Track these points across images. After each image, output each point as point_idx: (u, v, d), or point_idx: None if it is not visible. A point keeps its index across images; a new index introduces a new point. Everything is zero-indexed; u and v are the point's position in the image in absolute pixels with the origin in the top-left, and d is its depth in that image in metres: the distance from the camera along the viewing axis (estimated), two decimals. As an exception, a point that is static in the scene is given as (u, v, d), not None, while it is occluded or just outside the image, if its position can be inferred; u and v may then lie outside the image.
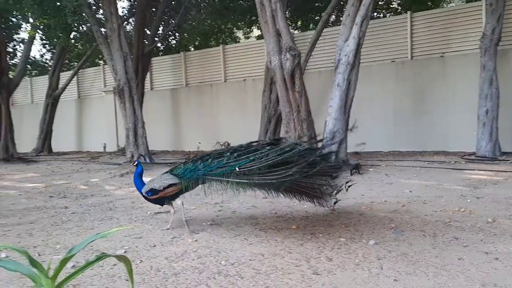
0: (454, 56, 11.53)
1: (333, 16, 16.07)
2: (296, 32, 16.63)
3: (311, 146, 4.57)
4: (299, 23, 17.98)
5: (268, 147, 4.19)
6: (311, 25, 17.19)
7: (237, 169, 4.03)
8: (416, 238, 3.92)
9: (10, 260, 2.40)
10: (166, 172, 4.77)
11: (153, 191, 4.60)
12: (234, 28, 19.74)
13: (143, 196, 4.77)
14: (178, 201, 4.76)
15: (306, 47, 12.17)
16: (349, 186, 4.94)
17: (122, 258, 2.56)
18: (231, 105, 15.25)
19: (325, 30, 12.38)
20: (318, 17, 16.01)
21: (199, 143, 15.10)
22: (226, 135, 14.86)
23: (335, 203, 4.89)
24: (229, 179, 4.09)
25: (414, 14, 12.35)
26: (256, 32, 20.29)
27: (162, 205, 4.90)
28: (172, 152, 15.68)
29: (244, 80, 14.96)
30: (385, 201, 5.72)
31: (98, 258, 2.45)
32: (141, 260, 3.59)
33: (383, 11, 17.61)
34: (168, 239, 4.26)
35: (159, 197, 4.62)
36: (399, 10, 16.91)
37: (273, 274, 3.13)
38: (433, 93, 11.74)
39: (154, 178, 4.77)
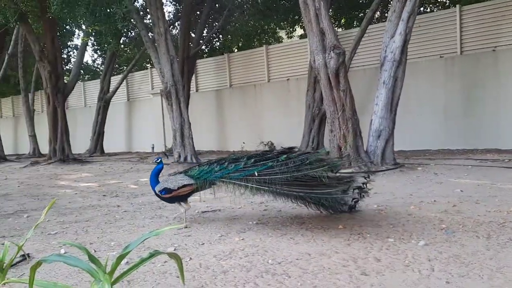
0: (507, 50, 11.02)
1: (378, 13, 15.75)
2: (339, 30, 16.44)
3: (335, 162, 4.65)
4: (342, 21, 17.77)
5: (284, 156, 4.36)
6: (355, 23, 16.94)
7: (256, 173, 4.25)
8: (468, 239, 3.80)
9: (71, 256, 2.56)
10: (181, 173, 4.96)
11: (167, 190, 4.80)
12: (277, 28, 19.79)
13: (156, 194, 4.96)
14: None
15: (350, 45, 12.03)
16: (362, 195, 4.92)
17: (173, 255, 2.66)
18: (274, 105, 15.30)
19: (369, 27, 12.19)
20: (362, 14, 15.76)
21: (243, 143, 15.28)
22: (270, 135, 14.94)
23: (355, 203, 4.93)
24: (248, 184, 4.34)
25: (463, 8, 11.91)
26: (299, 31, 20.22)
27: (173, 203, 5.10)
28: (217, 152, 15.94)
29: (288, 79, 14.96)
30: (434, 201, 5.56)
31: (151, 255, 2.56)
32: (190, 258, 3.70)
33: (430, 5, 17.07)
34: (216, 237, 4.36)
35: (172, 196, 4.82)
36: (447, 4, 16.35)
37: (321, 273, 3.14)
38: (485, 89, 11.27)
39: (169, 177, 4.94)
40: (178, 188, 4.77)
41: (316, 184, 4.22)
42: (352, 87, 8.67)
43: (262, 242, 4.05)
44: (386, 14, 13.90)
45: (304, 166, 4.22)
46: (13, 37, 19.28)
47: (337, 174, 4.60)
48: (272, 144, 14.55)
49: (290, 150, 4.60)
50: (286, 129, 14.81)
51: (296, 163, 4.24)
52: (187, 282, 3.04)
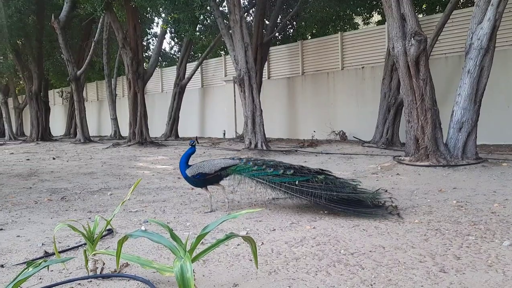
0: None
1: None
2: (420, 16, 15.62)
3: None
4: (424, 6, 16.86)
5: (322, 176, 4.88)
6: (437, 8, 16.01)
7: (297, 182, 4.77)
8: (562, 244, 3.49)
9: (155, 233, 2.70)
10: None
11: (201, 174, 5.10)
12: (353, 14, 19.22)
13: (185, 177, 5.21)
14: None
15: (431, 31, 11.40)
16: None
17: (248, 239, 2.73)
18: (347, 93, 14.96)
19: (454, 12, 11.46)
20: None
21: (314, 131, 15.14)
22: (342, 124, 14.66)
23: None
24: (281, 188, 4.86)
25: None
26: (376, 17, 19.52)
27: (200, 187, 5.35)
28: (286, 140, 15.95)
29: (363, 67, 14.54)
30: (522, 200, 5.16)
31: (228, 237, 2.65)
32: (262, 243, 3.76)
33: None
34: (287, 224, 4.38)
35: (206, 179, 5.14)
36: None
37: (395, 268, 3.05)
38: None
39: (203, 163, 5.21)
40: (215, 172, 5.10)
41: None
42: (432, 75, 8.22)
43: (334, 232, 4.01)
44: (472, -2, 12.98)
45: (338, 190, 4.72)
46: (99, 25, 20.50)
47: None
48: (343, 133, 14.27)
49: (324, 171, 5.10)
50: (359, 118, 14.45)
51: (333, 184, 4.79)
52: (259, 266, 3.09)
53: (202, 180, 5.17)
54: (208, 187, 5.27)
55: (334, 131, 14.52)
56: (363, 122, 14.17)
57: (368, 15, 18.75)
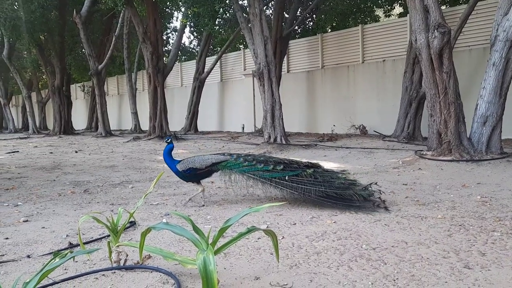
0: None
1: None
2: (444, 7, 15.30)
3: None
4: (447, -3, 16.52)
5: (312, 170, 4.98)
6: (461, -1, 15.67)
7: (287, 178, 4.88)
8: None
9: (177, 226, 2.72)
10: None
11: (192, 169, 5.18)
12: (374, 7, 18.94)
13: (175, 171, 5.29)
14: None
15: (455, 23, 11.15)
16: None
17: (269, 233, 2.73)
18: (368, 87, 14.78)
19: (478, 3, 11.19)
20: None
21: (334, 125, 15.04)
22: (362, 118, 14.52)
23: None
24: (272, 183, 4.98)
25: None
26: (397, 9, 19.21)
27: (191, 182, 5.46)
28: (305, 134, 15.88)
29: (384, 60, 14.34)
30: (550, 196, 5.03)
31: (249, 230, 2.65)
32: (283, 236, 3.76)
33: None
34: (307, 218, 4.37)
35: (197, 174, 5.23)
36: None
37: (419, 263, 3.01)
38: None
39: (194, 158, 5.30)
40: (206, 167, 5.19)
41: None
42: (456, 68, 8.06)
43: (355, 227, 3.98)
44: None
45: (328, 183, 4.82)
46: (120, 20, 20.70)
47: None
48: (364, 127, 14.13)
49: (314, 165, 5.22)
50: (380, 112, 14.28)
51: (322, 178, 4.88)
52: (280, 260, 3.09)
53: (193, 175, 5.27)
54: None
55: (354, 125, 14.39)
56: (384, 116, 14.00)
57: (389, 7, 18.47)
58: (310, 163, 5.27)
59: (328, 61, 16.34)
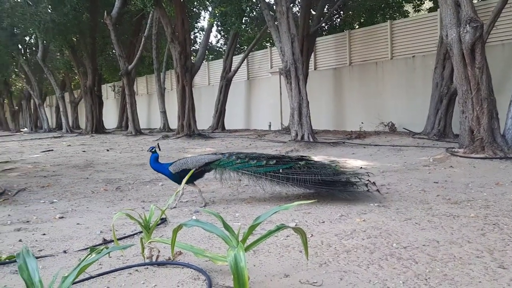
0: None
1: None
2: (475, 1, 14.87)
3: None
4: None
5: (303, 162, 5.21)
6: (494, -8, 15.18)
7: (281, 170, 5.06)
8: None
9: (208, 223, 2.77)
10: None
11: (185, 170, 5.13)
12: (403, 2, 18.61)
13: (168, 174, 5.31)
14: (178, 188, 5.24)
15: (487, 17, 10.83)
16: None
17: (298, 230, 2.74)
18: (397, 83, 14.54)
19: (513, -4, 10.84)
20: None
21: (362, 123, 14.86)
22: (391, 116, 14.30)
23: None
24: (267, 178, 5.12)
25: None
26: (427, 4, 18.80)
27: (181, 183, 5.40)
28: (333, 132, 15.76)
29: (413, 56, 14.07)
30: None
31: (278, 228, 2.67)
32: (311, 235, 3.76)
33: None
34: (336, 216, 4.35)
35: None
36: None
37: (451, 262, 2.96)
38: None
39: (186, 159, 5.36)
40: (199, 167, 5.24)
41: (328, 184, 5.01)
42: (488, 63, 7.83)
43: (385, 225, 3.94)
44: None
45: (322, 170, 5.08)
46: (149, 20, 21.03)
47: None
48: (393, 125, 13.91)
49: (305, 158, 5.45)
50: (409, 109, 14.03)
51: (315, 168, 5.11)
52: (310, 258, 3.10)
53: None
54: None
55: (382, 123, 14.19)
56: (413, 113, 13.75)
57: (419, 2, 18.10)
58: (302, 156, 5.53)
59: (355, 58, 16.16)
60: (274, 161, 5.20)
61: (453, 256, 3.08)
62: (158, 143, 6.01)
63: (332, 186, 4.96)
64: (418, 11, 18.49)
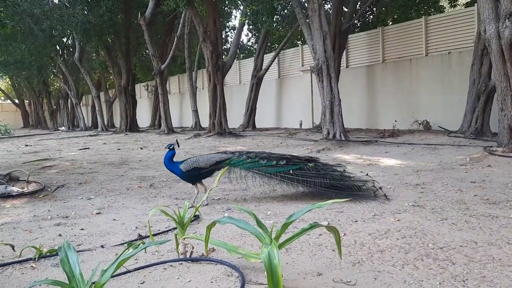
0: None
1: None
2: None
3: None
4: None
5: (312, 164, 5.25)
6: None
7: (291, 171, 5.12)
8: None
9: (242, 220, 2.80)
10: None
11: (196, 169, 5.24)
12: (438, -3, 18.15)
13: (179, 173, 5.30)
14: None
15: (529, 10, 10.41)
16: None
17: (332, 229, 2.73)
18: (432, 80, 14.19)
19: (557, -12, 10.37)
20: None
21: (395, 121, 14.59)
22: (425, 114, 13.99)
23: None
24: (277, 178, 5.18)
25: None
26: (464, -2, 18.27)
27: (192, 182, 5.43)
28: (365, 130, 15.54)
29: (449, 53, 13.70)
30: None
31: (312, 227, 2.66)
32: (344, 234, 3.73)
33: None
34: (370, 216, 4.30)
35: (201, 173, 5.31)
36: None
37: (490, 264, 2.88)
38: None
39: (197, 157, 5.37)
40: (210, 166, 5.29)
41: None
42: (530, 59, 7.55)
43: (420, 225, 3.87)
44: None
45: (330, 174, 5.17)
46: (181, 20, 21.31)
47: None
48: (427, 123, 13.60)
49: (312, 158, 5.51)
50: (444, 107, 13.67)
51: (324, 171, 5.19)
52: (343, 257, 3.08)
53: (197, 174, 5.33)
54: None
55: (417, 121, 13.88)
56: (449, 111, 13.39)
57: (455, -3, 17.60)
58: (310, 157, 5.62)
59: (389, 55, 15.87)
60: (284, 161, 5.26)
61: (492, 258, 2.99)
62: (177, 140, 6.06)
63: (339, 190, 5.05)
64: (454, 6, 18.00)
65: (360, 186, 5.11)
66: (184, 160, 5.42)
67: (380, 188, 5.14)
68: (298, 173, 5.14)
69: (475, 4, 11.88)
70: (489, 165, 6.92)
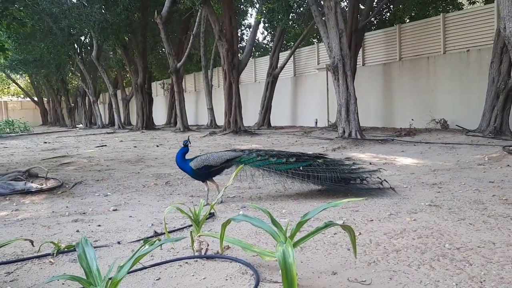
0: None
1: None
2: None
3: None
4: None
5: (321, 160, 5.37)
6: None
7: (301, 168, 5.17)
8: None
9: (256, 218, 2.80)
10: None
11: (207, 167, 5.24)
12: (457, -6, 17.88)
13: (188, 170, 5.28)
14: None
15: (551, 7, 10.18)
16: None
17: (347, 228, 2.72)
18: (450, 78, 14.00)
19: None
20: None
21: (412, 120, 14.44)
22: (443, 112, 13.81)
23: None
24: (288, 175, 5.23)
25: None
26: (483, -5, 17.95)
27: (202, 180, 5.44)
28: (381, 129, 15.41)
29: (468, 50, 13.49)
30: None
31: (326, 225, 2.66)
32: (360, 233, 3.71)
33: None
34: (385, 215, 4.27)
35: (211, 171, 5.31)
36: None
37: (508, 265, 2.83)
38: None
39: (207, 156, 5.35)
40: (221, 164, 5.29)
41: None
42: (552, 57, 7.40)
43: (437, 225, 3.82)
44: None
45: (339, 169, 5.27)
46: (197, 19, 21.41)
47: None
48: (445, 122, 13.42)
49: (321, 155, 5.65)
50: (462, 106, 13.47)
51: (332, 166, 5.29)
52: (358, 256, 3.06)
53: (207, 172, 5.32)
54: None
55: (434, 119, 13.72)
56: (467, 109, 13.19)
57: (474, -6, 17.31)
58: (319, 154, 5.78)
59: (406, 52, 15.70)
60: (294, 158, 5.30)
61: (511, 259, 2.94)
62: (188, 137, 6.08)
63: (349, 184, 5.21)
64: (473, 3, 17.69)
65: (366, 177, 5.25)
66: (194, 158, 5.39)
67: (386, 181, 5.27)
68: (308, 169, 5.19)
69: (495, 1, 11.68)
70: (508, 165, 6.81)
